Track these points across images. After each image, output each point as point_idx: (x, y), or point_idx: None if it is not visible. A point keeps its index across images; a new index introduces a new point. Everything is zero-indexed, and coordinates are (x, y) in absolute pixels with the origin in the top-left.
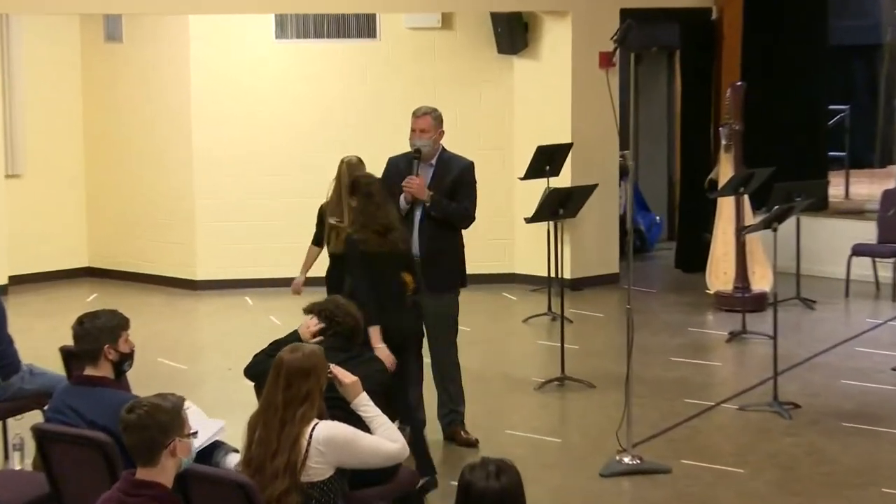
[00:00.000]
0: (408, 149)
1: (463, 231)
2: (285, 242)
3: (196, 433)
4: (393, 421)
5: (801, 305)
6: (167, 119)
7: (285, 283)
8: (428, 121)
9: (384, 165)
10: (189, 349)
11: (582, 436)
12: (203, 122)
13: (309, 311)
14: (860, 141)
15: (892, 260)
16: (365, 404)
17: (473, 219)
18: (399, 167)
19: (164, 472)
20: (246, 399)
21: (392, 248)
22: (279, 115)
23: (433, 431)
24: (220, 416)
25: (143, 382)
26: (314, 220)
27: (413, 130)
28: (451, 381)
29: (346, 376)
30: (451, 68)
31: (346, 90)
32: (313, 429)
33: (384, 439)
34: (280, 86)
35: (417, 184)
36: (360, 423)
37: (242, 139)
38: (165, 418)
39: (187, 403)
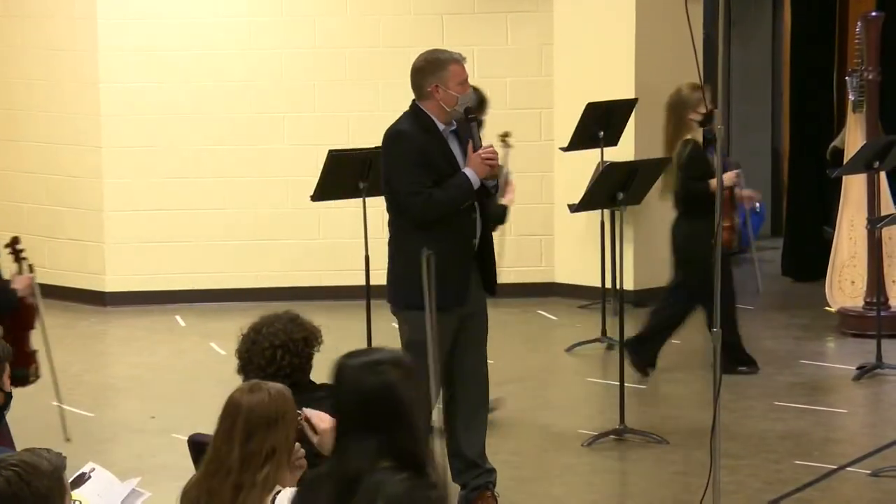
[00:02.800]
0: (404, 107)
1: None
2: (232, 239)
3: None
4: None
5: None
6: (64, 68)
7: (231, 296)
8: None
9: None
10: (96, 390)
11: None
12: (114, 70)
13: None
14: None
15: None
16: None
17: None
18: (434, 139)
19: None
20: (176, 462)
21: None
22: (221, 60)
23: None
24: (140, 486)
25: (31, 436)
26: (273, 206)
27: (462, 82)
28: (485, 429)
29: (321, 420)
30: None
31: (315, 25)
32: (273, 499)
33: None
34: (221, 21)
35: (497, 155)
36: None
37: (170, 96)
38: (44, 484)
39: (91, 464)
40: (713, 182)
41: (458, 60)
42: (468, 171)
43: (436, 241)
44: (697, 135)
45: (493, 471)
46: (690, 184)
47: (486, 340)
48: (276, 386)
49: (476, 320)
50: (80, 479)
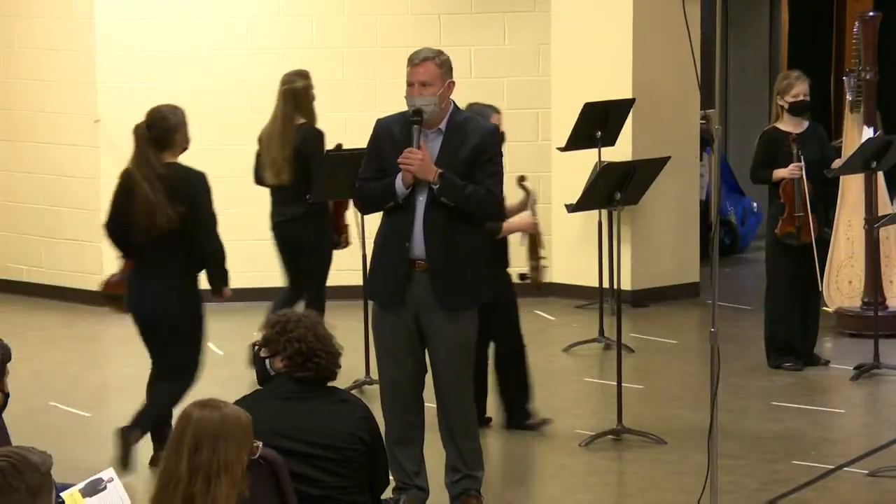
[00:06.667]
0: (402, 107)
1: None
2: (229, 239)
3: None
4: (379, 488)
5: None
6: (61, 68)
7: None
8: (431, 69)
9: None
10: (93, 389)
11: None
12: (111, 70)
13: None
14: None
15: None
16: None
17: (502, 206)
18: (393, 134)
19: None
20: None
21: None
22: (218, 60)
23: None
24: (136, 486)
25: (28, 436)
26: (269, 207)
27: (410, 84)
28: (464, 436)
29: None
30: None
31: (313, 25)
32: None
33: None
34: (219, 21)
35: (420, 159)
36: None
37: (167, 96)
38: (36, 478)
39: (111, 473)
40: (777, 171)
41: (410, 61)
42: (398, 175)
43: (380, 235)
44: (784, 122)
45: (471, 478)
46: (753, 167)
47: (456, 370)
48: (235, 409)
49: (435, 328)
50: (95, 486)
